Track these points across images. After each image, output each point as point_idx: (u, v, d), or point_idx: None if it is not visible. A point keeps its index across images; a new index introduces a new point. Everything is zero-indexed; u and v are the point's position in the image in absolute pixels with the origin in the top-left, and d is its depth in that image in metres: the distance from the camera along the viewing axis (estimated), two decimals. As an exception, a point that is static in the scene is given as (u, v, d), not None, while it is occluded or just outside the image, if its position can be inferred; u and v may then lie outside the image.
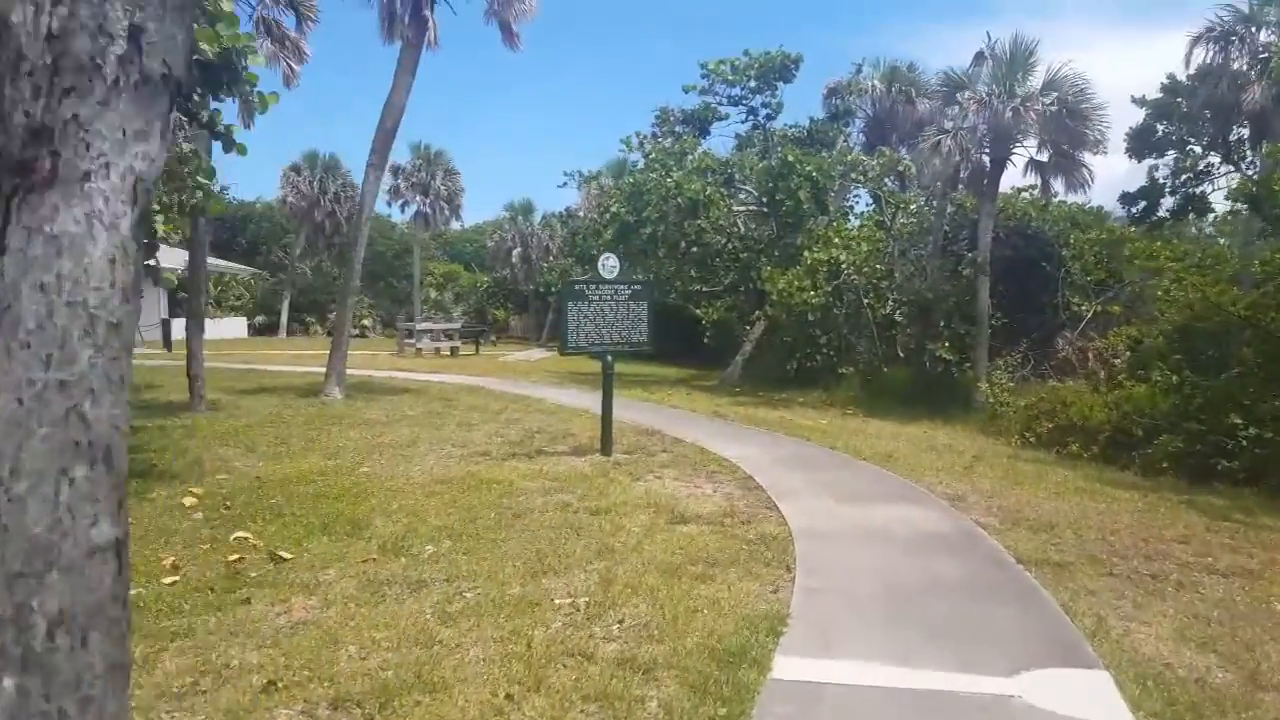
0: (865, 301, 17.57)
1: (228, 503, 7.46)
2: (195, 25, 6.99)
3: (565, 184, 20.01)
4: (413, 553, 6.02)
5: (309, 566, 5.76)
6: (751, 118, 20.06)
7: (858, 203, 22.92)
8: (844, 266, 16.35)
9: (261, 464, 9.14)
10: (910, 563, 5.75)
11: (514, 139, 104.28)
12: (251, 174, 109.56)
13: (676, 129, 20.41)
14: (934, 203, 19.25)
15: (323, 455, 9.64)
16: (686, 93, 19.24)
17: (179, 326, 31.85)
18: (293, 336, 35.11)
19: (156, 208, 6.93)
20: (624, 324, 9.77)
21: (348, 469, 8.93)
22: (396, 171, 35.34)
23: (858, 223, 19.68)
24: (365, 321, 36.33)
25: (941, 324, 16.90)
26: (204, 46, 6.80)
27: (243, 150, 9.24)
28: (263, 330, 35.49)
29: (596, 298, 9.63)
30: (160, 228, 6.81)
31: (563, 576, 5.45)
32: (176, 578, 5.56)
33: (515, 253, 36.84)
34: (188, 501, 7.46)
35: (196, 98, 7.82)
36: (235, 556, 5.96)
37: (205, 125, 8.39)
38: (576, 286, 9.69)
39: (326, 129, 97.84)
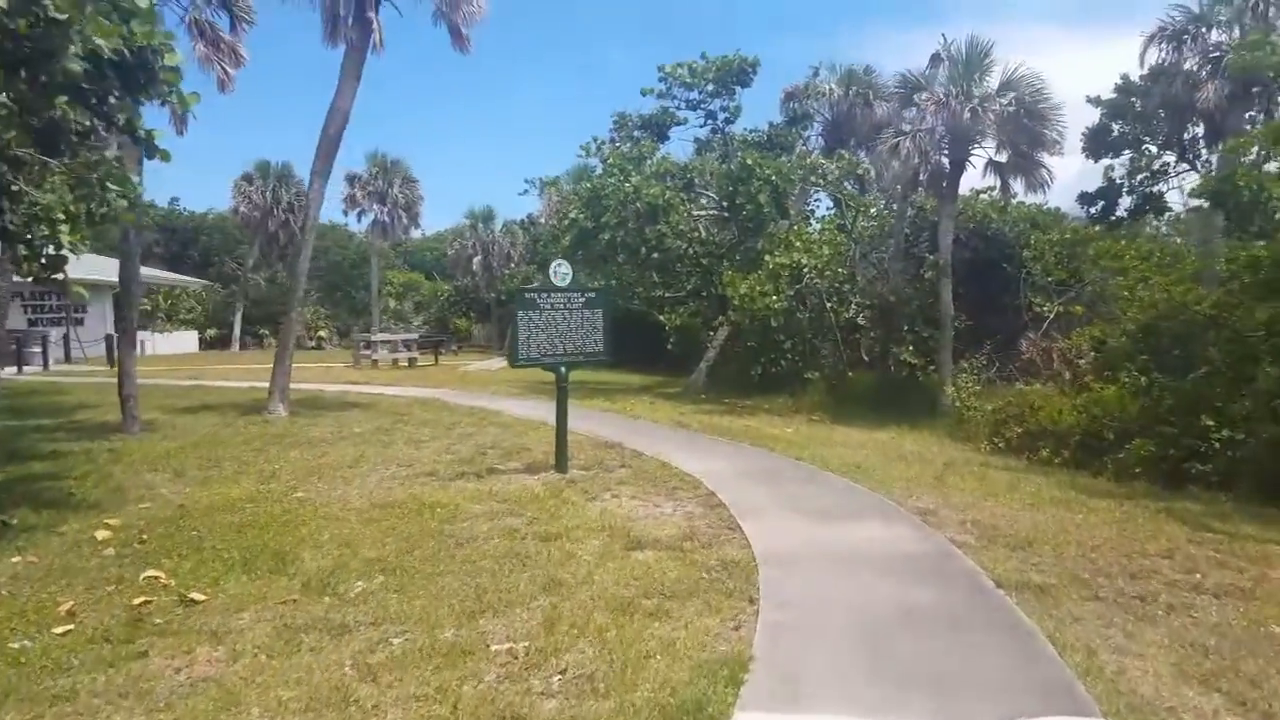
0: (828, 305, 17.26)
1: (144, 536, 6.83)
2: (106, 21, 6.40)
3: (526, 191, 19.54)
4: (339, 591, 5.47)
5: (222, 610, 5.19)
6: (710, 122, 19.67)
7: (818, 206, 22.72)
8: (806, 270, 16.03)
9: (189, 490, 8.50)
10: (884, 590, 5.32)
11: (474, 147, 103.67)
12: (204, 185, 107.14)
13: (635, 134, 19.96)
14: (894, 205, 19.06)
15: (257, 479, 9.01)
16: (644, 96, 18.85)
17: (124, 341, 30.83)
18: (246, 350, 34.10)
19: (61, 217, 6.30)
20: (579, 333, 9.27)
21: (281, 494, 8.33)
22: (353, 180, 34.60)
23: (819, 226, 19.39)
24: (322, 333, 35.43)
25: (905, 327, 16.66)
26: (106, 43, 6.20)
27: (165, 156, 8.55)
28: (215, 344, 34.42)
29: (549, 306, 9.12)
30: (65, 238, 6.19)
31: (503, 616, 4.94)
32: (71, 626, 4.97)
33: (476, 260, 36.16)
34: (100, 535, 6.84)
35: (114, 100, 7.21)
36: (141, 600, 5.37)
37: (124, 129, 7.77)
38: (527, 295, 9.17)
39: (279, 138, 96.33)
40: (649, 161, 17.77)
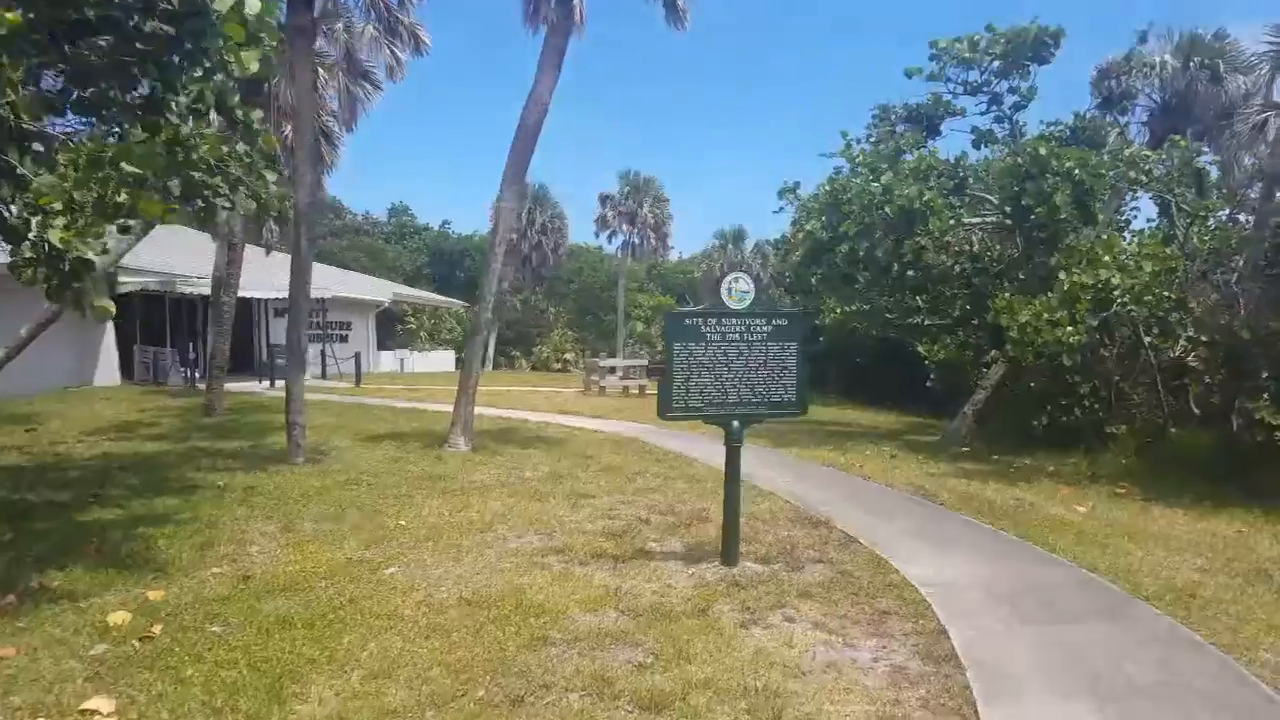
0: (1146, 340, 13.02)
1: (155, 627, 5.31)
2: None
3: (781, 209, 17.12)
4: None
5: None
6: (994, 108, 15.82)
7: (1136, 215, 17.97)
8: (1116, 293, 12.02)
9: (280, 552, 7.07)
10: None
11: (729, 165, 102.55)
12: (476, 207, 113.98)
13: (899, 128, 16.70)
14: (1251, 209, 14.19)
15: (367, 539, 7.43)
16: (910, 78, 15.42)
17: (388, 359, 32.51)
18: (497, 370, 34.77)
19: (58, 206, 4.94)
20: (761, 375, 6.71)
21: (372, 568, 6.62)
22: (605, 200, 34.29)
23: (1134, 238, 14.96)
24: (568, 355, 35.28)
25: (1263, 374, 12.00)
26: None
27: (270, 143, 7.49)
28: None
29: (718, 336, 6.65)
30: (57, 234, 4.80)
31: None
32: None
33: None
34: (115, 619, 5.42)
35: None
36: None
37: (213, 105, 6.59)
38: (687, 321, 6.74)
39: (540, 158, 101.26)
40: (907, 157, 14.55)
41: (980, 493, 10.41)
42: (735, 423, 6.69)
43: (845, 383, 30.08)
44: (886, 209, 13.38)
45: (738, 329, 6.70)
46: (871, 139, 16.31)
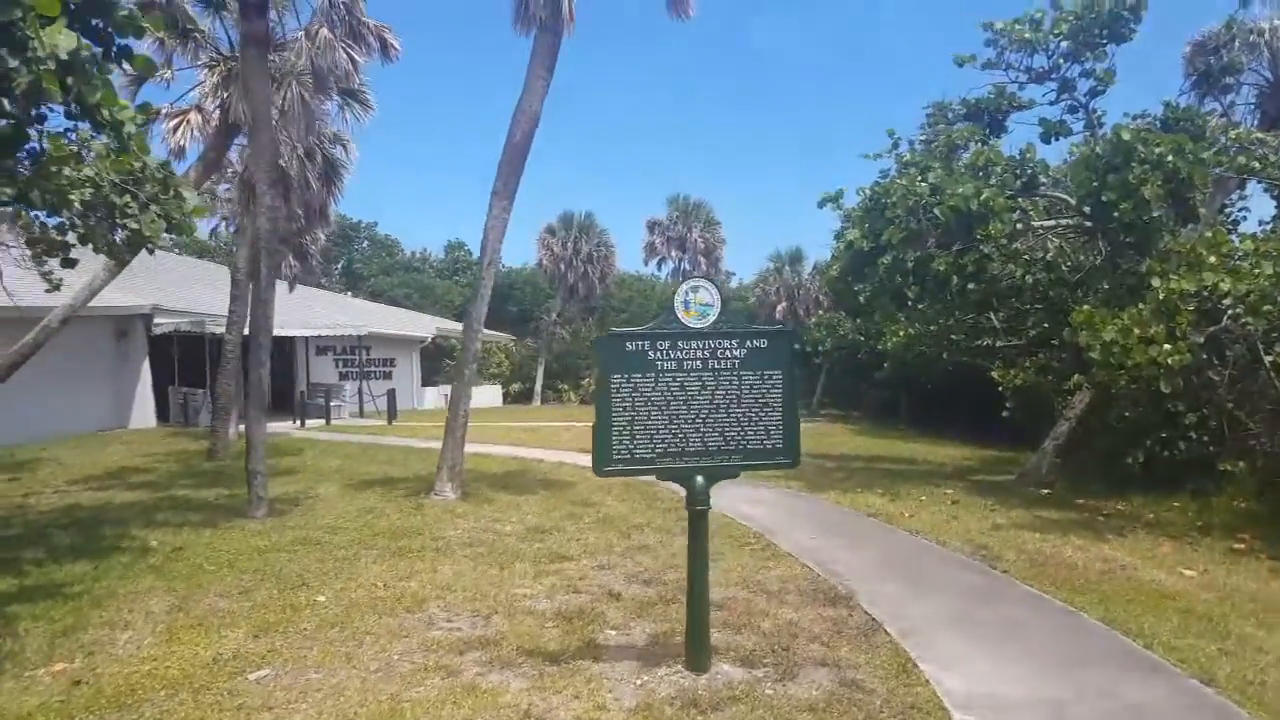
0: (1267, 359, 10.73)
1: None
2: None
3: (843, 230, 15.18)
4: None
5: None
6: (1066, 96, 13.77)
7: (1245, 215, 15.48)
8: (1226, 302, 9.86)
9: (147, 642, 5.69)
10: None
11: (785, 186, 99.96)
12: (522, 239, 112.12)
13: (956, 127, 14.76)
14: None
15: (257, 626, 5.99)
16: (960, 66, 13.45)
17: (432, 395, 31.50)
18: (546, 404, 33.49)
19: None
20: (733, 413, 5.03)
21: (234, 671, 5.16)
22: (653, 226, 32.89)
23: (1242, 236, 12.61)
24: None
25: None
26: None
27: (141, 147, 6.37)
28: (518, 398, 34.24)
29: (672, 364, 5.01)
30: None
31: None
32: None
33: (780, 308, 32.21)
34: None
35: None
36: None
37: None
38: (628, 345, 5.10)
39: (584, 191, 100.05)
40: (962, 153, 12.62)
41: (1058, 552, 8.37)
42: (699, 479, 5.00)
43: (915, 412, 27.76)
44: (936, 211, 11.46)
45: (699, 354, 5.04)
46: (923, 138, 14.42)
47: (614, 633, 5.78)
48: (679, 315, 5.07)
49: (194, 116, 12.76)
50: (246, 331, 18.49)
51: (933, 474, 14.35)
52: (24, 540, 8.68)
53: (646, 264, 34.43)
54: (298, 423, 22.51)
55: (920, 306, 14.38)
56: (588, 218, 34.70)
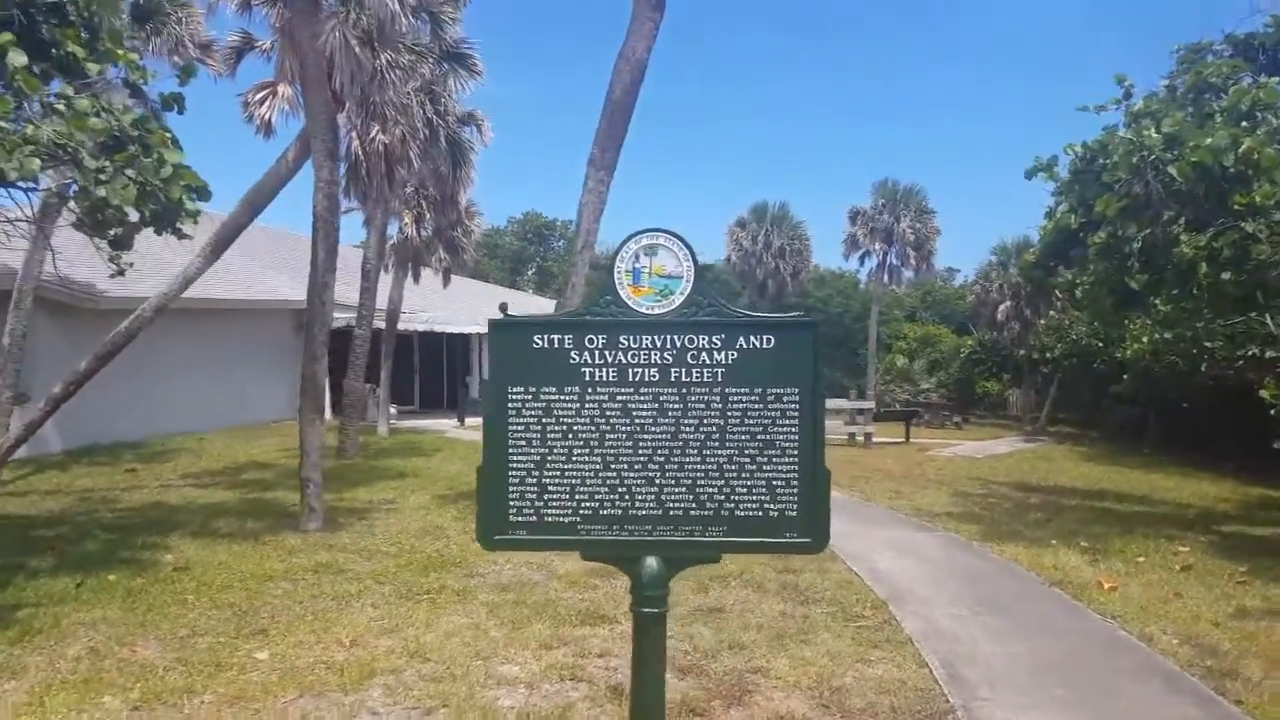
0: None
1: None
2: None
3: (1055, 207, 12.47)
4: None
5: None
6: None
7: None
8: None
9: (10, 700, 4.54)
10: None
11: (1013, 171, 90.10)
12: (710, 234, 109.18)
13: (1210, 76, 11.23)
14: None
15: (149, 692, 4.75)
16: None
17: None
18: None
19: None
20: (710, 458, 2.97)
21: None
22: (855, 217, 29.85)
23: None
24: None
25: None
26: None
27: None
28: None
29: (608, 371, 3.04)
30: None
31: None
32: None
33: (1003, 308, 28.05)
34: None
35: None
36: None
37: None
38: (535, 341, 3.17)
39: (780, 177, 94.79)
40: (1212, 99, 9.29)
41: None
42: (651, 561, 3.00)
43: (1164, 435, 23.08)
44: (1172, 170, 8.36)
45: (657, 357, 3.04)
46: (1166, 83, 11.06)
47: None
48: (622, 293, 3.10)
49: (283, 88, 12.09)
50: (382, 324, 18.33)
51: (1168, 520, 10.98)
52: (49, 544, 8.07)
53: (847, 259, 31.50)
54: (458, 421, 22.19)
55: (1155, 302, 11.04)
56: (781, 208, 32.27)
